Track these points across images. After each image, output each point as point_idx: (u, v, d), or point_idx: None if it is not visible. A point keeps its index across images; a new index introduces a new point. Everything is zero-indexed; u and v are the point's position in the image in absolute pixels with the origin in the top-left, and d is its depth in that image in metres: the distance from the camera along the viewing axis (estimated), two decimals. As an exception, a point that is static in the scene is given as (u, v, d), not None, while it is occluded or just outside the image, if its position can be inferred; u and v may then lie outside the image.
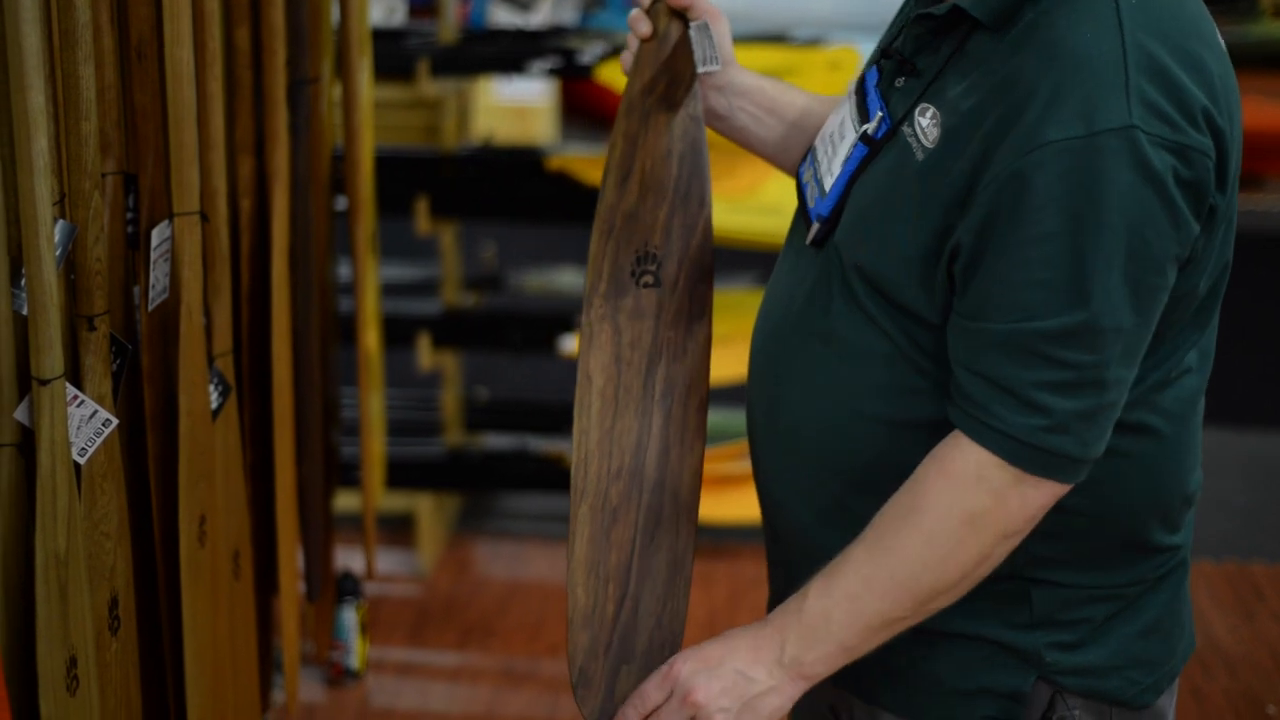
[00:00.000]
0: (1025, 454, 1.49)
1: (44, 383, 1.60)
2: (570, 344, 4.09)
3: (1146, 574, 1.67)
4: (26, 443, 1.63)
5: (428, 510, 4.13)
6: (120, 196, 1.89)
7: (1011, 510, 1.51)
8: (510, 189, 4.11)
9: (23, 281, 1.60)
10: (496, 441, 4.44)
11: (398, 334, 4.03)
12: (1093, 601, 1.65)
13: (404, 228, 4.10)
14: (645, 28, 1.83)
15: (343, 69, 2.70)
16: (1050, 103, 1.45)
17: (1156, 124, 1.44)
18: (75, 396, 1.69)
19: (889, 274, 1.56)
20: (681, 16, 1.83)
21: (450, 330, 4.19)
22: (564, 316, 4.17)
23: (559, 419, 4.38)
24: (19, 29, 1.51)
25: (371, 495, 2.99)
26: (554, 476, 4.21)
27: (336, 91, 2.73)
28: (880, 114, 1.62)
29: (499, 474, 4.29)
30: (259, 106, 2.28)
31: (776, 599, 1.76)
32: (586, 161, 4.06)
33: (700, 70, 1.83)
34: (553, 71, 3.98)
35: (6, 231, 1.60)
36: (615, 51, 3.98)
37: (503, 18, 5.05)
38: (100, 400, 1.74)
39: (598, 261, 1.77)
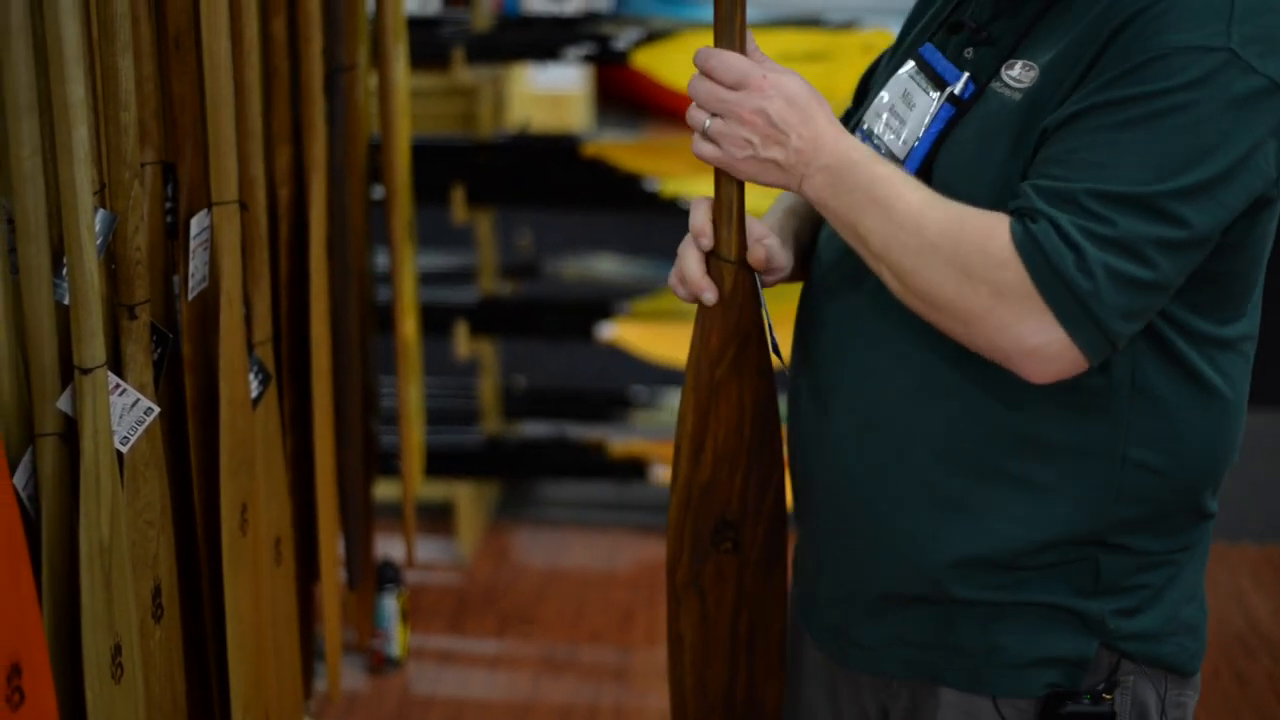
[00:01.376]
0: (1059, 292, 1.47)
1: (86, 371, 1.60)
2: (608, 331, 4.09)
3: (1195, 540, 1.69)
4: (69, 432, 1.64)
5: (467, 498, 4.14)
6: (159, 186, 1.90)
7: (1003, 319, 1.50)
8: (546, 176, 4.11)
9: (64, 271, 1.61)
10: (534, 429, 4.44)
11: (435, 322, 4.03)
12: (1153, 568, 1.66)
13: (440, 216, 4.10)
14: (712, 296, 1.70)
15: (378, 57, 2.71)
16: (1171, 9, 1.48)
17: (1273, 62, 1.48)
18: (117, 385, 1.70)
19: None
20: (748, 267, 1.70)
21: (487, 318, 4.19)
22: (601, 303, 4.16)
23: (597, 406, 4.38)
24: (58, 20, 1.52)
25: (411, 483, 3.00)
26: (592, 463, 4.21)
27: (372, 80, 2.74)
28: (965, 76, 1.63)
29: (537, 462, 4.30)
30: (296, 95, 2.29)
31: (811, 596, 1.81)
32: (622, 148, 4.06)
33: (772, 335, 1.73)
34: (588, 58, 3.98)
35: (48, 221, 1.61)
36: (650, 37, 3.97)
37: (537, 5, 5.05)
38: (142, 389, 1.74)
39: (678, 531, 1.79)
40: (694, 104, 1.62)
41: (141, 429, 1.73)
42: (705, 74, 1.60)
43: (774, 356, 1.75)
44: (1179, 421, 1.59)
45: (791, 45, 3.69)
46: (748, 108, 1.58)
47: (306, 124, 2.28)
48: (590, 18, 4.47)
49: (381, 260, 3.48)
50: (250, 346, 2.07)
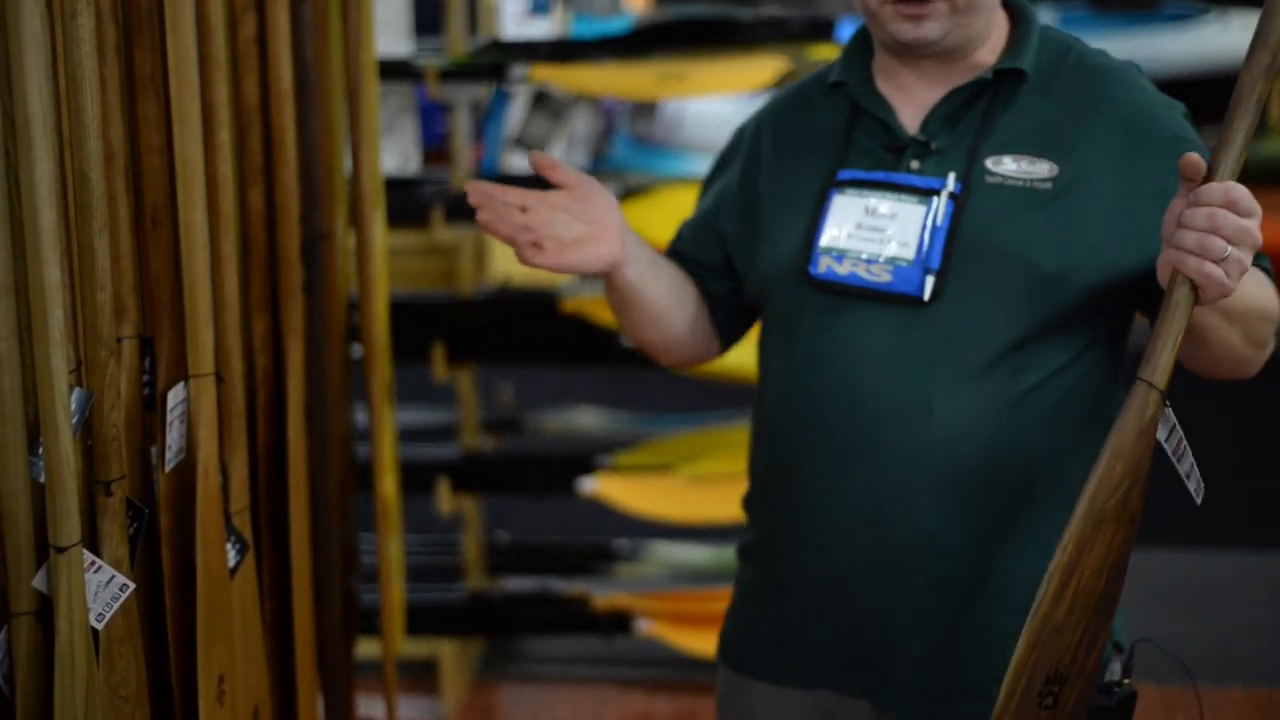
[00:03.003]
0: None
1: (61, 550, 1.62)
2: (590, 485, 4.10)
3: None
4: (44, 610, 1.65)
5: (450, 655, 4.12)
6: (136, 360, 1.92)
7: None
8: (526, 331, 4.14)
9: (40, 449, 1.63)
10: (518, 584, 4.43)
11: (417, 479, 4.04)
12: None
13: (421, 372, 4.13)
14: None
15: (356, 221, 2.74)
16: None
17: None
18: (93, 563, 1.70)
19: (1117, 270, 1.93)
20: (1165, 402, 1.75)
21: (469, 474, 4.20)
22: (584, 457, 4.18)
23: (580, 560, 4.37)
24: (35, 205, 1.55)
25: (392, 642, 2.99)
26: (577, 618, 4.20)
27: (351, 241, 2.77)
28: (952, 176, 1.97)
29: (522, 617, 4.28)
30: (273, 264, 2.32)
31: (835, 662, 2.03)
32: (602, 303, 4.08)
33: (1191, 467, 1.76)
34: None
35: (24, 399, 1.63)
36: (629, 192, 4.02)
37: (515, 163, 5.12)
38: (117, 565, 1.75)
39: (1020, 673, 1.74)
40: (1206, 231, 1.69)
41: (117, 605, 1.74)
42: (1227, 205, 1.69)
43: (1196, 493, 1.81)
44: None
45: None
46: (1258, 236, 1.71)
47: (283, 293, 2.30)
48: (568, 175, 4.52)
49: (361, 418, 3.50)
50: (228, 516, 2.08)
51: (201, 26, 1.96)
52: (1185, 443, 1.76)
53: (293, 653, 2.39)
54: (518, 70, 4.00)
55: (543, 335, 4.12)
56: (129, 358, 1.90)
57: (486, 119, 5.35)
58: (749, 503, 2.19)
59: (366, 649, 3.28)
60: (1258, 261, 1.91)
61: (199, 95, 1.92)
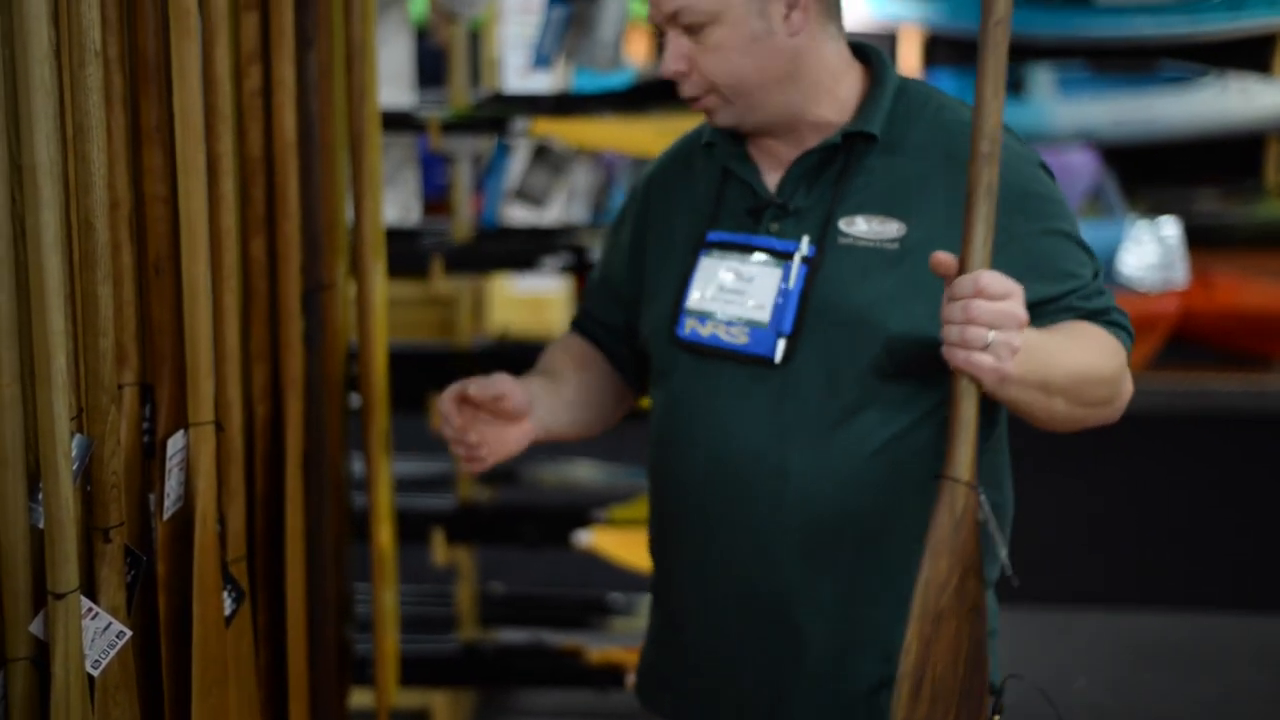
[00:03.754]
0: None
1: (59, 597, 1.62)
2: (585, 537, 4.10)
3: None
4: (41, 655, 1.65)
5: (443, 707, 4.11)
6: (137, 407, 1.93)
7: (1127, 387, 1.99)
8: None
9: (39, 495, 1.64)
10: (512, 636, 4.42)
11: (412, 529, 4.03)
12: None
13: (418, 422, 4.13)
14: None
15: (357, 273, 2.76)
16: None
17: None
18: (90, 609, 1.71)
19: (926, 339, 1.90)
20: (978, 489, 1.80)
21: (465, 525, 4.19)
22: (579, 510, 4.17)
23: (575, 613, 4.37)
24: (40, 253, 1.57)
25: (385, 693, 2.99)
26: (571, 671, 4.19)
27: (351, 289, 2.78)
28: (806, 239, 2.01)
29: (515, 669, 4.26)
30: (274, 314, 2.33)
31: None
32: (599, 355, 4.10)
33: (1003, 557, 1.79)
34: (566, 269, 4.04)
35: (25, 445, 1.64)
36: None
37: (516, 215, 5.14)
38: (114, 612, 1.76)
39: None
40: (964, 323, 1.73)
41: (113, 652, 1.74)
42: (978, 294, 1.73)
43: (1008, 577, 1.85)
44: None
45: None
46: (1019, 313, 1.74)
47: (284, 343, 2.31)
48: (568, 229, 4.55)
49: (358, 466, 3.50)
50: (224, 564, 2.08)
51: (207, 77, 1.98)
52: (995, 522, 1.79)
53: (287, 701, 2.39)
54: (519, 123, 4.02)
55: (540, 387, 4.11)
56: (130, 405, 1.90)
57: (488, 171, 5.38)
58: (649, 546, 2.25)
59: (360, 699, 3.28)
60: (1107, 317, 1.97)
61: (204, 146, 1.94)
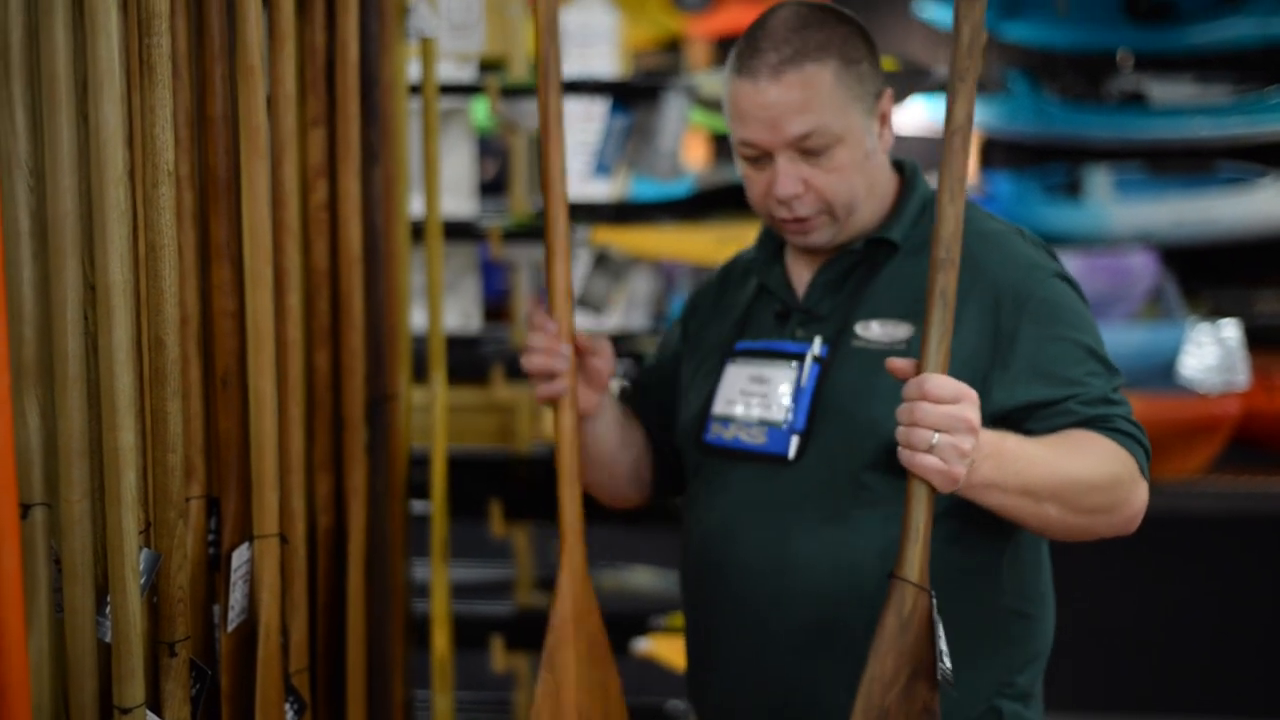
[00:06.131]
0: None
1: (125, 711, 1.63)
2: (644, 645, 4.08)
3: None
4: (106, 770, 1.66)
5: (501, 815, 4.08)
6: (203, 519, 1.95)
7: (1141, 495, 1.98)
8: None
9: (107, 609, 1.65)
10: (570, 743, 4.39)
11: (470, 635, 4.03)
12: None
13: (478, 529, 4.13)
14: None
15: (427, 382, 2.78)
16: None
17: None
18: (155, 723, 1.72)
19: None
20: (928, 590, 1.80)
21: (524, 631, 4.18)
22: (638, 617, 4.16)
23: (630, 718, 4.33)
24: (112, 371, 1.59)
25: (445, 802, 2.97)
26: (627, 777, 4.15)
27: (416, 396, 2.80)
28: (819, 340, 2.11)
29: (572, 778, 4.23)
30: (338, 425, 2.35)
31: None
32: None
33: (944, 663, 1.77)
34: (624, 375, 4.05)
35: (94, 560, 1.65)
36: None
37: (576, 322, 5.16)
38: (179, 726, 1.76)
39: None
40: (909, 425, 1.77)
41: (177, 765, 1.75)
42: (923, 398, 1.77)
43: (943, 682, 1.82)
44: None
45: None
46: (967, 417, 1.76)
47: (347, 454, 2.33)
48: (627, 336, 4.57)
49: (420, 572, 3.50)
50: (286, 676, 2.09)
51: (276, 193, 2.02)
52: (940, 627, 1.79)
53: (347, 813, 2.38)
54: (579, 232, 4.05)
55: (599, 494, 4.11)
56: (196, 518, 1.92)
57: (547, 278, 5.40)
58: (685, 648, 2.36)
59: (419, 808, 3.26)
60: (1111, 424, 1.96)
61: (271, 260, 1.97)
